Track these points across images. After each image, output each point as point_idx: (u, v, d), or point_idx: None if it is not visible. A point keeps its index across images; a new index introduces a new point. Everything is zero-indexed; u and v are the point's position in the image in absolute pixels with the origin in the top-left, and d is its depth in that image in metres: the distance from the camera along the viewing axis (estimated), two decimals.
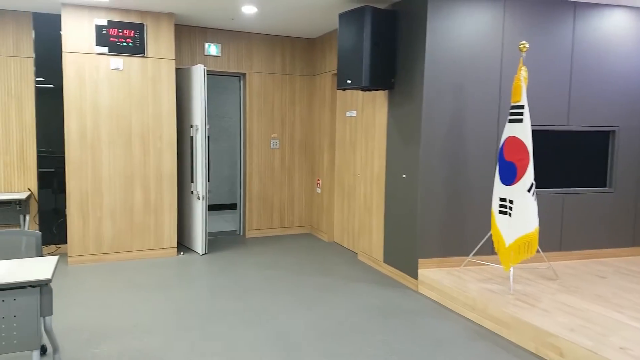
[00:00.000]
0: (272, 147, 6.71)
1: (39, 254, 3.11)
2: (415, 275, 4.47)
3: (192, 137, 5.72)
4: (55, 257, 2.86)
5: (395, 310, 4.02)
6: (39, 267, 2.68)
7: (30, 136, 5.50)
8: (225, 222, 7.60)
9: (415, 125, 4.43)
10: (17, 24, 5.34)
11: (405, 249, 4.63)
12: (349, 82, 4.49)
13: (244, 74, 6.54)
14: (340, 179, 6.20)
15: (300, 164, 6.87)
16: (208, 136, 5.67)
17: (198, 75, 5.57)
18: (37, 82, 5.48)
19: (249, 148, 6.55)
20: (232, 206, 8.68)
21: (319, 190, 6.69)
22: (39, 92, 5.52)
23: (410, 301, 4.22)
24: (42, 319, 2.59)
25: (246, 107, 6.53)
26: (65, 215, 5.69)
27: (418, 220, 4.41)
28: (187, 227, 5.99)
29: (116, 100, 5.29)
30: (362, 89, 4.62)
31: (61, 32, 5.02)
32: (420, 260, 4.43)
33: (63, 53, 5.05)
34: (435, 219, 4.46)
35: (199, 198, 5.69)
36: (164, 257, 5.57)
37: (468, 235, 4.58)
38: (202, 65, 5.54)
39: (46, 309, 2.58)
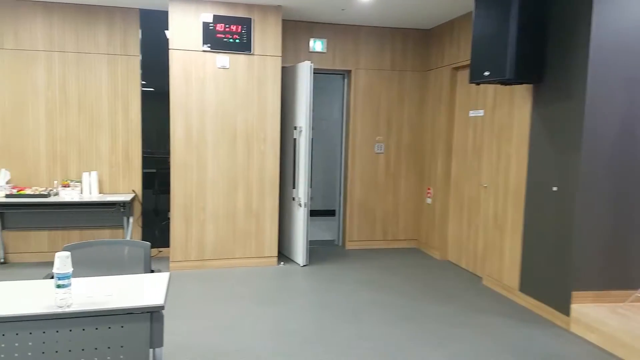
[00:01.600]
0: (376, 151, 6.16)
1: (147, 268, 2.79)
2: (566, 311, 3.69)
3: (295, 139, 5.32)
4: (166, 276, 2.50)
5: (549, 356, 3.28)
6: (150, 287, 2.32)
7: (136, 136, 5.39)
8: (322, 230, 7.16)
9: (573, 127, 3.65)
10: (124, 22, 5.25)
11: (551, 277, 3.85)
12: (486, 74, 3.81)
13: (348, 72, 6.06)
14: (458, 188, 5.50)
15: (408, 170, 6.25)
16: (312, 139, 5.22)
17: (304, 72, 5.15)
18: (143, 86, 5.36)
19: (351, 152, 6.05)
20: (328, 213, 8.24)
21: (429, 200, 6.03)
22: (144, 92, 5.39)
23: (564, 345, 3.45)
24: (151, 350, 2.22)
25: (350, 107, 6.03)
26: (168, 218, 5.53)
27: (574, 244, 3.62)
28: (287, 236, 5.60)
29: (221, 100, 5.01)
30: (503, 83, 3.92)
31: (166, 30, 4.84)
32: (574, 293, 3.64)
33: (170, 50, 4.85)
34: (596, 243, 3.64)
35: (300, 205, 5.28)
36: (264, 267, 5.21)
37: (636, 265, 3.71)
38: (309, 62, 5.11)
39: (157, 340, 2.20)
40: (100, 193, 5.31)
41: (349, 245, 6.16)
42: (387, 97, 6.11)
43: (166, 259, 5.43)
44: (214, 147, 5.03)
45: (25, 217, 5.11)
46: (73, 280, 2.32)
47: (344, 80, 6.22)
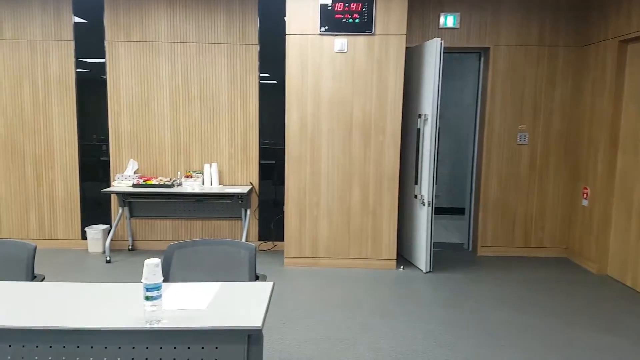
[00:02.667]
0: (518, 141, 5.26)
1: (252, 272, 2.48)
2: None
3: (418, 129, 4.71)
4: (269, 288, 2.15)
5: None
6: (250, 301, 1.99)
7: (253, 128, 5.26)
8: (447, 231, 6.43)
9: None
10: (243, 10, 5.11)
11: None
12: None
13: (485, 49, 5.23)
14: (626, 189, 4.41)
15: (557, 165, 5.24)
16: (438, 129, 4.57)
17: (432, 52, 4.50)
18: (261, 78, 5.19)
19: (486, 142, 5.24)
20: (454, 211, 7.43)
21: (585, 202, 4.97)
22: (262, 81, 5.22)
23: None
24: None
25: (486, 90, 5.21)
26: (283, 212, 5.33)
27: None
28: (408, 237, 5.04)
29: (338, 87, 4.61)
30: None
31: (285, 18, 4.57)
32: None
33: (286, 36, 4.57)
34: None
35: (424, 204, 4.67)
36: (381, 270, 4.73)
37: None
38: (439, 39, 4.45)
39: None
40: (220, 184, 5.29)
41: (482, 251, 5.37)
42: (534, 78, 5.16)
43: (280, 253, 5.24)
44: (329, 139, 4.66)
45: (151, 206, 5.29)
46: (170, 285, 2.09)
47: (479, 60, 5.41)
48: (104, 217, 5.35)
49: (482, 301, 3.98)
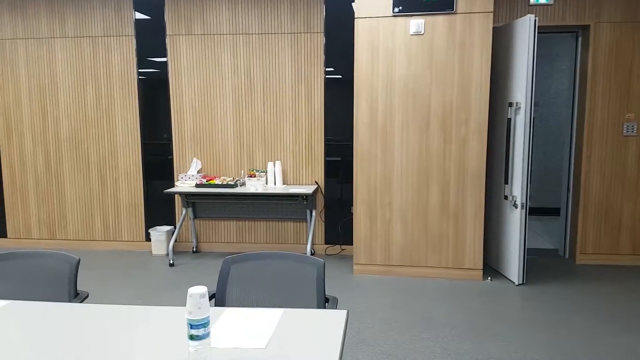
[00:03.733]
0: (625, 133, 4.50)
1: (320, 297, 2.08)
2: None
3: (509, 119, 4.10)
4: (343, 318, 1.73)
5: None
6: (319, 337, 1.59)
7: (319, 122, 4.87)
8: (538, 235, 5.71)
9: None
10: None
11: None
12: None
13: (585, 28, 4.51)
14: None
15: None
16: (533, 118, 3.95)
17: (525, 30, 3.89)
18: (327, 68, 4.78)
19: (586, 134, 4.52)
20: (546, 212, 6.65)
21: None
22: (327, 72, 4.82)
23: None
24: None
25: (586, 75, 4.49)
26: (351, 213, 4.91)
27: None
28: (496, 244, 4.44)
29: (413, 74, 4.11)
30: None
31: (353, 2, 4.14)
32: None
33: (355, 20, 4.13)
34: None
35: (515, 205, 4.06)
36: (465, 281, 4.18)
37: None
38: (532, 16, 3.82)
39: None
40: (284, 184, 4.96)
41: (581, 259, 4.66)
42: None
43: (349, 258, 4.82)
44: (403, 132, 4.17)
45: (215, 206, 5.06)
46: (224, 311, 1.74)
47: (576, 40, 4.68)
48: (168, 218, 5.20)
49: (591, 320, 3.34)
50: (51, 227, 5.32)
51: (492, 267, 4.53)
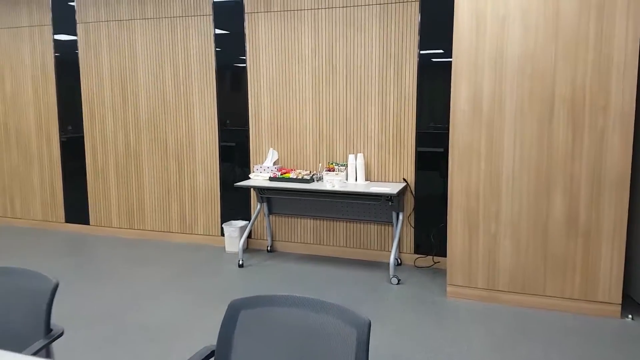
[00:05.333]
0: None
1: None
2: None
3: None
4: None
5: None
6: None
7: (410, 108, 4.09)
8: None
9: None
10: None
11: None
12: None
13: None
14: None
15: None
16: None
17: None
18: (421, 44, 3.96)
19: None
20: None
21: None
22: (422, 50, 4.00)
23: None
24: None
25: None
26: (446, 220, 4.10)
27: None
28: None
29: (531, 49, 3.16)
30: None
31: None
32: None
33: None
34: None
35: None
36: (596, 318, 3.21)
37: None
38: None
39: None
40: (366, 180, 4.29)
41: None
42: None
43: (443, 274, 4.03)
44: (516, 123, 3.26)
45: (290, 203, 4.55)
46: None
47: None
48: (245, 211, 4.81)
49: None
50: (130, 216, 5.21)
51: (635, 301, 3.46)
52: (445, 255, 4.14)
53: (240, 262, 4.28)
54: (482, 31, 3.25)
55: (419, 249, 4.24)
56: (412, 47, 4.02)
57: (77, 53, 5.14)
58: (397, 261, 4.25)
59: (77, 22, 5.08)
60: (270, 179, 4.30)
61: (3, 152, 5.66)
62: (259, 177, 4.44)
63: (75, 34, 5.11)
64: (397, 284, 3.83)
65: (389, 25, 4.05)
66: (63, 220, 5.53)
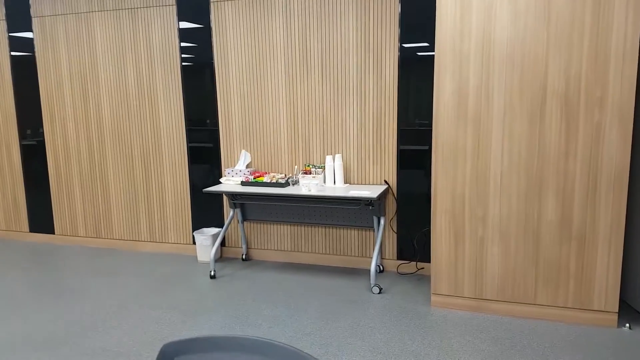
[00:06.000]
0: None
1: None
2: None
3: None
4: None
5: None
6: None
7: (390, 104, 3.80)
8: None
9: None
10: None
11: None
12: None
13: None
14: None
15: None
16: None
17: None
18: (404, 32, 3.67)
19: None
20: None
21: None
22: (404, 37, 3.70)
23: None
24: None
25: None
26: (426, 230, 3.83)
27: None
28: (638, 275, 3.12)
29: (521, 35, 2.88)
30: None
31: None
32: None
33: None
34: None
35: None
36: (591, 327, 2.95)
37: None
38: None
39: None
40: (345, 183, 4.00)
41: None
42: None
43: (427, 280, 3.76)
44: (505, 119, 2.98)
45: (265, 208, 4.24)
46: None
47: None
48: (218, 217, 4.49)
49: None
50: (97, 224, 4.87)
51: (633, 308, 3.22)
52: (430, 261, 3.86)
53: (212, 273, 3.96)
54: (467, 15, 2.96)
55: (402, 254, 3.96)
56: (392, 38, 3.72)
57: (34, 51, 4.76)
58: (379, 268, 3.97)
59: (32, 16, 4.71)
60: (243, 183, 3.98)
61: None
62: (230, 181, 4.12)
63: (31, 30, 4.74)
64: (378, 293, 3.54)
65: (367, 15, 3.75)
66: (27, 230, 5.17)
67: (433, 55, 3.61)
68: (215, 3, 4.13)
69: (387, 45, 3.73)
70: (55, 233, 5.05)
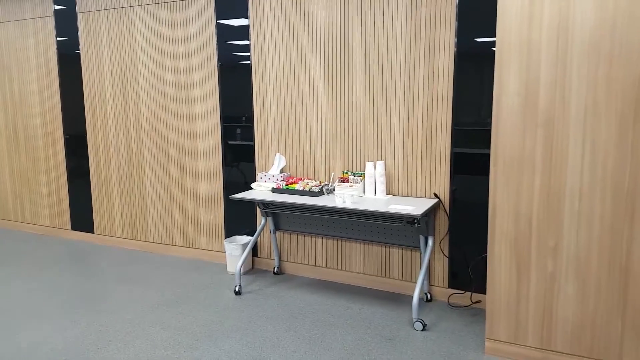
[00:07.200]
0: None
1: None
2: None
3: None
4: None
5: None
6: None
7: (445, 103, 3.22)
8: None
9: None
10: None
11: None
12: None
13: None
14: None
15: None
16: None
17: None
18: (460, 32, 3.08)
19: None
20: None
21: None
22: (461, 29, 3.11)
23: None
24: None
25: None
26: (484, 256, 3.19)
27: None
28: None
29: (610, 19, 2.22)
30: None
31: None
32: None
33: None
34: None
35: None
36: None
37: None
38: None
39: None
40: (388, 194, 3.47)
41: None
42: None
43: (483, 317, 3.13)
44: (586, 123, 2.32)
45: (299, 218, 3.80)
46: None
47: None
48: (251, 224, 4.13)
49: None
50: (133, 225, 4.69)
51: None
52: (484, 292, 3.22)
53: (237, 289, 3.59)
54: (536, 1, 2.34)
55: (455, 282, 3.36)
56: (447, 28, 3.14)
57: (78, 46, 4.67)
58: (427, 296, 3.39)
59: (78, 12, 4.61)
60: (273, 190, 3.58)
61: (13, 155, 5.34)
62: (261, 187, 3.73)
63: (76, 26, 4.64)
64: (421, 330, 2.98)
65: (418, 3, 3.19)
66: (69, 227, 5.12)
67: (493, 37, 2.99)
68: None
69: (441, 36, 3.16)
70: (95, 232, 4.94)
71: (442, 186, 3.29)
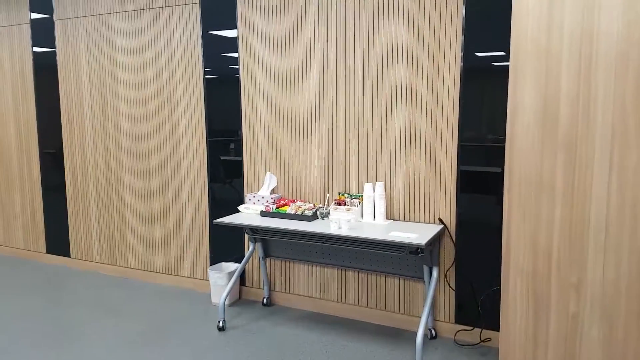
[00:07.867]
0: None
1: None
2: None
3: None
4: None
5: None
6: None
7: (450, 118, 2.93)
8: None
9: None
10: None
11: None
12: None
13: None
14: None
15: None
16: None
17: None
18: (466, 43, 2.82)
19: None
20: None
21: None
22: (468, 34, 2.85)
23: None
24: None
25: None
26: (497, 289, 2.90)
27: None
28: None
29: (631, 25, 1.95)
30: None
31: None
32: None
33: None
34: None
35: None
36: None
37: None
38: None
39: None
40: (388, 219, 3.16)
41: None
42: None
43: (494, 357, 2.82)
44: (613, 143, 2.04)
45: (290, 244, 3.49)
46: None
47: None
48: (238, 251, 3.80)
49: None
50: (112, 249, 4.35)
51: None
52: (497, 329, 2.92)
53: (220, 324, 3.25)
54: (556, 2, 2.08)
55: (462, 317, 3.05)
56: (453, 37, 2.87)
57: (56, 56, 4.37)
58: (431, 333, 3.07)
59: (55, 19, 4.32)
60: (262, 213, 3.27)
61: None
62: (249, 209, 3.42)
63: (53, 35, 4.35)
64: None
65: (422, 8, 2.93)
66: (44, 251, 4.77)
67: (507, 50, 2.73)
68: (243, 3, 3.49)
69: (446, 46, 2.89)
70: (71, 256, 4.59)
71: (448, 208, 3.00)
